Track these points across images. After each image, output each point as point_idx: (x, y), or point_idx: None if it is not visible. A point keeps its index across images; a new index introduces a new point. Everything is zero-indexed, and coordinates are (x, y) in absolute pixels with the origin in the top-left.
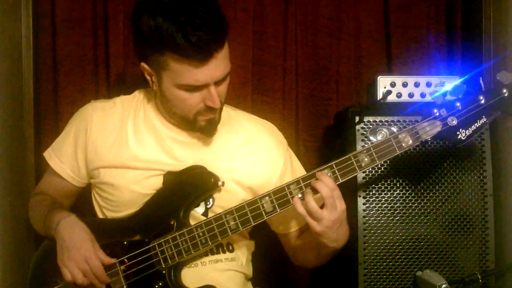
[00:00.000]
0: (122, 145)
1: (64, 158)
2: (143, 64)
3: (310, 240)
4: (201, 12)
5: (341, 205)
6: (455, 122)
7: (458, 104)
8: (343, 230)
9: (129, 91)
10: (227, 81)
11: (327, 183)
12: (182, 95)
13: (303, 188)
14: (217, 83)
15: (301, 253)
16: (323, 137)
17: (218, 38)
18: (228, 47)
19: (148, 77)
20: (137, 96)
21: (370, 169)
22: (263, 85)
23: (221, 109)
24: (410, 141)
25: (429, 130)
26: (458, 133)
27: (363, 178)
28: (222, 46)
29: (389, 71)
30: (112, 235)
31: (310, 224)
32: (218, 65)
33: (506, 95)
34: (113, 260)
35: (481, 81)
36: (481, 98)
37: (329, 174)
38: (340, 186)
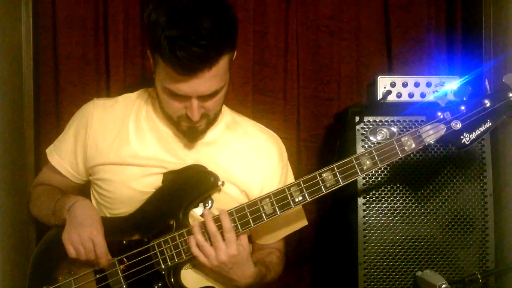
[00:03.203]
0: (122, 142)
1: (63, 155)
2: (148, 51)
3: None
4: (203, 26)
5: (230, 250)
6: (459, 126)
7: (462, 107)
8: (239, 272)
9: (129, 91)
10: (219, 96)
11: (223, 223)
12: (166, 97)
13: (304, 190)
14: (203, 97)
15: None
16: (324, 138)
17: (209, 58)
18: (228, 65)
19: (152, 65)
20: (141, 94)
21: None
22: (264, 85)
23: (211, 120)
24: (413, 145)
25: (433, 133)
26: (462, 137)
27: (363, 178)
28: (211, 66)
29: (389, 71)
30: (111, 234)
31: (199, 259)
32: (204, 82)
33: None
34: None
35: (487, 83)
36: (487, 101)
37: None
38: None
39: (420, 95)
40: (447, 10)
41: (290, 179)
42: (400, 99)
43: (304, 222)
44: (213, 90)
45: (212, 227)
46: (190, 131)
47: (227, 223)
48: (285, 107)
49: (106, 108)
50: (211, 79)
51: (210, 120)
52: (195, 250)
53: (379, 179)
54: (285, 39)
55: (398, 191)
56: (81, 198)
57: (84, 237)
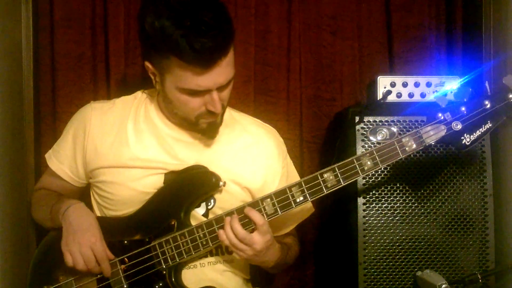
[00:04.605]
0: (122, 145)
1: (63, 159)
2: (147, 63)
3: None
4: (207, 18)
5: (266, 237)
6: (459, 127)
7: (463, 108)
8: (271, 252)
9: (129, 91)
10: (231, 86)
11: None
12: (184, 98)
13: (305, 190)
14: (220, 88)
15: None
16: (326, 138)
17: (223, 45)
18: (233, 53)
19: (151, 76)
20: (139, 96)
21: None
22: (266, 84)
23: (223, 112)
24: (414, 145)
25: (433, 134)
26: (462, 138)
27: (363, 178)
28: (226, 53)
29: (390, 71)
30: (113, 234)
31: (236, 253)
32: (222, 72)
33: None
34: (113, 256)
35: (487, 85)
36: (487, 102)
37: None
38: None
39: (420, 95)
40: (447, 10)
41: (292, 171)
42: (400, 99)
43: (311, 210)
44: (229, 78)
45: (241, 232)
46: (210, 127)
47: (257, 217)
48: (288, 108)
49: (104, 110)
50: (226, 67)
51: (224, 111)
52: (228, 243)
53: (379, 179)
54: (288, 38)
55: (398, 191)
56: (74, 202)
57: (82, 244)
